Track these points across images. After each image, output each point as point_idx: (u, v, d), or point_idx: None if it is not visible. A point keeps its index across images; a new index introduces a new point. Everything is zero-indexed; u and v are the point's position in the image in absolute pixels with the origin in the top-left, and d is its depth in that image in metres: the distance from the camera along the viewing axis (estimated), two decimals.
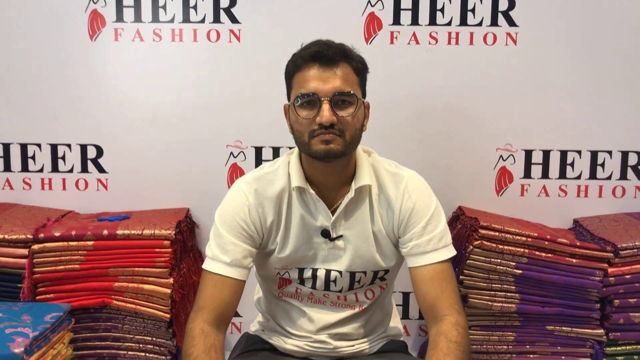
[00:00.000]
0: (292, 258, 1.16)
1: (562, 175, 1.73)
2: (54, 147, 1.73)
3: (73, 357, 1.39)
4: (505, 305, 1.52)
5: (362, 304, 1.23)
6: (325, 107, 1.05)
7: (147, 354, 1.53)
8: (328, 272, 1.17)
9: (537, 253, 1.50)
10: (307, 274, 1.18)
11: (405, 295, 1.76)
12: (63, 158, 1.73)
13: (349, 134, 1.08)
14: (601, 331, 1.52)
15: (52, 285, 1.50)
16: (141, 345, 1.53)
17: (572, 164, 1.72)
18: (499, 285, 1.52)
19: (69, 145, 1.73)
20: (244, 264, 1.13)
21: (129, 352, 1.53)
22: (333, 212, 1.15)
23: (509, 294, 1.52)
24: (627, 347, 1.52)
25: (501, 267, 1.50)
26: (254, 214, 1.14)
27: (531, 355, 1.55)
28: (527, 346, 1.54)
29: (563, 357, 1.54)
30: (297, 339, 1.24)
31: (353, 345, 1.25)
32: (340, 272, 1.18)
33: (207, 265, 1.13)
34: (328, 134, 1.06)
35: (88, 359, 1.54)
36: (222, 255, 1.12)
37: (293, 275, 1.19)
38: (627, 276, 1.50)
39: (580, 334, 1.53)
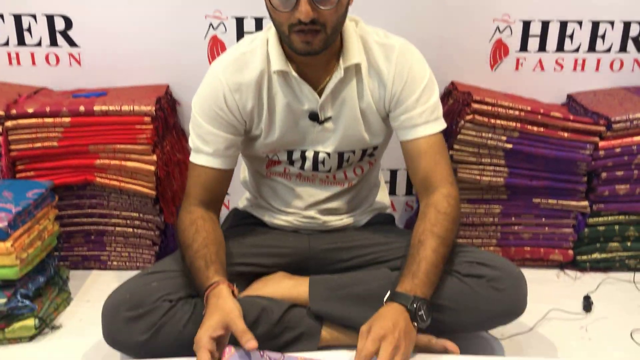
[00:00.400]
0: (280, 142, 1.13)
1: (560, 48, 1.66)
2: (17, 18, 1.60)
3: (60, 233, 1.39)
4: (494, 179, 1.52)
5: (350, 181, 1.22)
6: (303, 1, 0.95)
7: (135, 230, 1.53)
8: (316, 153, 1.15)
9: (529, 127, 1.47)
10: (296, 155, 1.16)
11: (393, 173, 1.75)
12: (29, 30, 1.61)
13: (331, 26, 1.00)
14: (585, 203, 1.54)
15: (31, 163, 1.46)
16: (128, 221, 1.52)
17: (571, 36, 1.64)
18: (489, 160, 1.51)
19: (33, 16, 1.60)
20: (228, 154, 1.10)
21: (117, 228, 1.53)
22: (320, 93, 1.09)
23: (498, 167, 1.51)
24: (609, 218, 1.55)
25: (492, 142, 1.48)
26: (230, 101, 1.08)
27: (516, 227, 1.58)
28: (513, 218, 1.57)
29: (547, 228, 1.57)
30: (286, 215, 1.24)
31: (342, 219, 1.26)
32: (328, 154, 1.15)
33: (192, 157, 1.12)
34: (309, 32, 0.98)
35: (75, 235, 1.54)
36: (204, 146, 1.09)
37: (282, 158, 1.17)
38: (617, 149, 1.49)
39: (565, 206, 1.55)
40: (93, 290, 1.46)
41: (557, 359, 1.20)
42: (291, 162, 1.17)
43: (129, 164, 1.46)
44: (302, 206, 1.22)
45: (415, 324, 0.97)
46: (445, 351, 1.06)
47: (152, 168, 1.46)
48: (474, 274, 1.12)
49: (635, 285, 1.49)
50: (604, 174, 1.51)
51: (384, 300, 1.01)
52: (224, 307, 0.96)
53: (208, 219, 1.11)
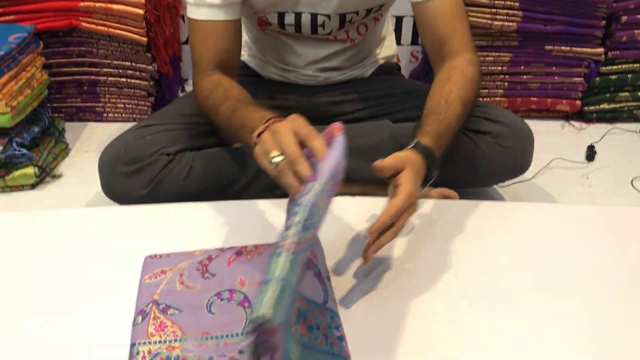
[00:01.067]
0: (269, 1, 1.01)
1: None
2: None
3: (50, 83, 1.33)
4: (506, 23, 1.42)
5: (353, 39, 1.13)
6: None
7: (129, 80, 1.47)
8: (314, 17, 1.03)
9: None
10: (289, 19, 1.03)
11: (399, 20, 1.65)
12: None
13: None
14: (601, 50, 1.47)
15: (9, 5, 1.36)
16: (121, 70, 1.46)
17: None
18: (502, 2, 1.40)
19: None
20: (232, 1, 0.96)
21: (109, 78, 1.47)
22: None
23: (511, 11, 1.41)
24: (623, 66, 1.49)
25: None
26: None
27: (524, 76, 1.52)
28: (522, 67, 1.50)
29: (556, 77, 1.52)
30: (284, 71, 1.17)
31: (344, 74, 1.19)
32: (328, 16, 1.03)
33: (191, 12, 0.97)
34: None
35: (67, 85, 1.49)
36: None
37: (272, 20, 1.05)
38: None
39: (578, 54, 1.47)
40: (90, 141, 1.45)
41: (555, 204, 1.21)
42: (283, 26, 1.06)
43: (115, 6, 1.36)
44: (301, 64, 1.15)
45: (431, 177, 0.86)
46: (444, 198, 1.07)
47: (141, 12, 1.36)
48: (480, 130, 1.09)
49: None
50: (624, 17, 1.42)
51: (410, 146, 0.86)
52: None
53: (232, 81, 0.96)
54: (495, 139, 1.08)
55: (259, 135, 0.75)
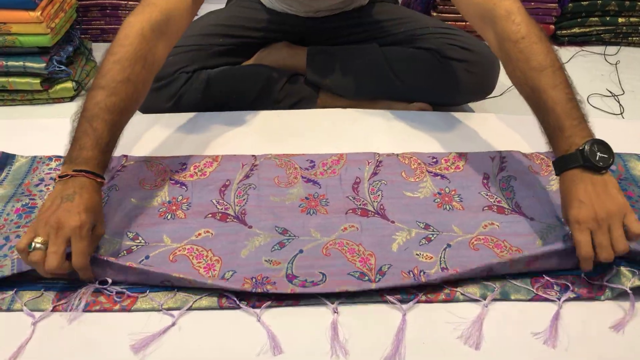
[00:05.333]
0: None
1: None
2: None
3: (78, 7, 1.50)
4: None
5: None
6: None
7: None
8: None
9: None
10: None
11: None
12: None
13: None
14: None
15: None
16: None
17: None
18: None
19: None
20: None
21: (130, 2, 1.63)
22: None
23: None
24: None
25: None
26: None
27: None
28: None
29: (532, 3, 1.63)
30: (282, 2, 1.27)
31: (348, 6, 1.29)
32: None
33: None
34: None
35: (92, 9, 1.66)
36: None
37: None
38: None
39: None
40: None
41: (514, 115, 1.39)
42: None
43: None
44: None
45: (601, 165, 0.75)
46: (420, 110, 1.24)
47: None
48: (454, 57, 1.23)
49: (604, 57, 1.63)
50: None
51: (556, 174, 0.80)
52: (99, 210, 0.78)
53: (143, 64, 0.84)
54: (465, 66, 1.23)
55: (61, 177, 0.76)
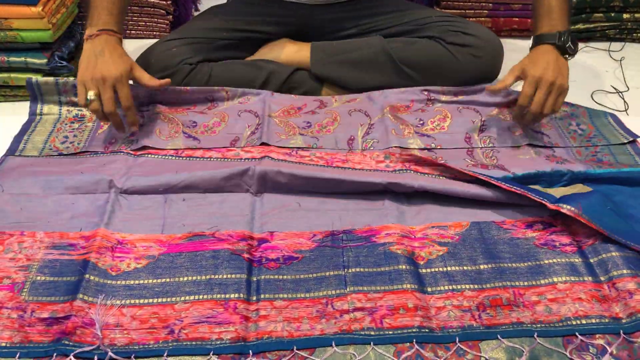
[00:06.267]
0: None
1: None
2: None
3: (79, 2, 1.49)
4: None
5: None
6: None
7: None
8: None
9: None
10: None
11: None
12: None
13: None
14: None
15: None
16: None
17: None
18: None
19: None
20: None
21: None
22: None
23: None
24: None
25: None
26: None
27: None
28: None
29: None
30: None
31: None
32: None
33: None
34: None
35: None
36: None
37: None
38: None
39: None
40: None
41: None
42: None
43: None
44: None
45: (567, 56, 1.10)
46: None
47: None
48: (458, 42, 1.26)
49: (608, 53, 1.62)
50: None
51: (529, 47, 1.14)
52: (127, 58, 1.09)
53: None
54: (470, 50, 1.25)
55: (90, 37, 1.06)
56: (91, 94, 1.01)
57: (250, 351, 0.72)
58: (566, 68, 1.09)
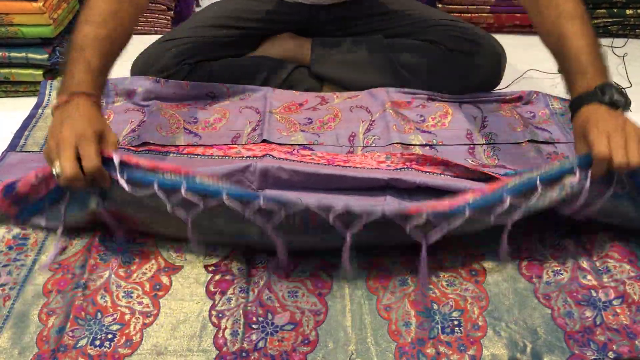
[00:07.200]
0: None
1: None
2: None
3: None
4: None
5: None
6: None
7: None
8: None
9: None
10: None
11: None
12: None
13: None
14: None
15: None
16: None
17: None
18: None
19: None
20: None
21: None
22: None
23: None
24: None
25: None
26: None
27: None
28: None
29: None
30: None
31: None
32: None
33: None
34: None
35: None
36: None
37: None
38: None
39: None
40: None
41: None
42: None
43: None
44: None
45: (617, 103, 0.80)
46: None
47: None
48: (460, 49, 1.24)
49: (611, 49, 1.61)
50: None
51: (569, 119, 0.85)
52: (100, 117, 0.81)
53: (130, 1, 0.90)
54: (470, 58, 1.24)
55: (57, 106, 0.78)
56: (56, 166, 0.72)
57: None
58: (627, 118, 0.80)
